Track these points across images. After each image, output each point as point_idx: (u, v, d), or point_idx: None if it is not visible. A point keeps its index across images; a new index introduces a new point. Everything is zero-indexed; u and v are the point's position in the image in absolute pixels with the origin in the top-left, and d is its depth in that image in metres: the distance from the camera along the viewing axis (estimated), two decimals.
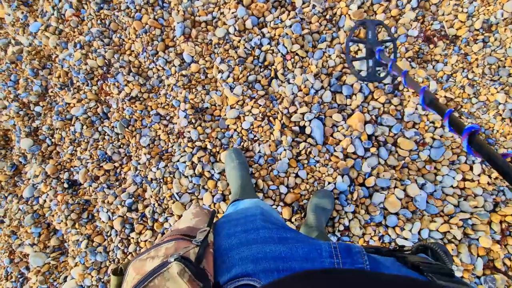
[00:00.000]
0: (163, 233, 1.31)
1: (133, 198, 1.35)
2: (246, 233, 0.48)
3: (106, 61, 1.47)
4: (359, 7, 1.41)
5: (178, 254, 0.38)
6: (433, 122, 1.30)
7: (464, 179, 1.25)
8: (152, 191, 1.33)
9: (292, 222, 1.24)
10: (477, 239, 1.19)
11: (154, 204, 1.32)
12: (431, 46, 1.39)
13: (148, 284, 0.35)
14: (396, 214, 1.22)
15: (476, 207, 1.21)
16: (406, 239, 1.20)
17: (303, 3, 1.45)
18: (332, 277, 0.32)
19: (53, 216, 1.41)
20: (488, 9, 1.39)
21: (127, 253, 1.31)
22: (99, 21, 1.52)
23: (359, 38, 1.38)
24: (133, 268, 0.40)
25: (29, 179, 1.49)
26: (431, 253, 0.49)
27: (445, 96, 1.33)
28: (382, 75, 1.10)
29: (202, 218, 0.54)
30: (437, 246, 0.49)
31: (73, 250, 1.37)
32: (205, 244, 0.44)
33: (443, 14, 1.42)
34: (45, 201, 1.44)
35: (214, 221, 0.57)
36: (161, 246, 0.42)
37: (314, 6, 1.44)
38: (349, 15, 1.42)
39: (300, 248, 0.44)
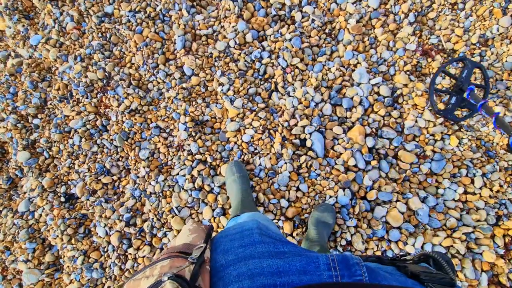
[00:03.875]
0: (161, 248, 1.28)
1: (131, 213, 1.32)
2: (243, 248, 0.48)
3: (106, 74, 1.47)
4: (357, 22, 1.44)
5: (171, 272, 0.37)
6: (433, 135, 1.30)
7: (465, 192, 1.25)
8: (151, 205, 1.31)
9: (294, 237, 1.22)
10: (481, 254, 1.17)
11: (152, 218, 1.30)
12: (429, 59, 1.41)
13: None
14: (399, 228, 1.21)
15: (478, 220, 1.20)
16: (409, 253, 1.18)
17: (303, 17, 1.48)
18: None
19: (48, 231, 1.38)
20: (484, 24, 1.41)
21: (124, 270, 1.28)
22: (100, 34, 1.53)
23: (451, 73, 1.25)
24: None
25: (25, 193, 1.46)
26: (433, 262, 0.49)
27: None
28: (461, 115, 1.09)
29: (199, 234, 0.54)
30: (439, 255, 0.49)
31: (68, 266, 1.33)
32: (201, 261, 0.43)
33: (440, 29, 1.44)
34: (40, 215, 1.41)
35: (212, 235, 0.56)
36: (156, 264, 0.42)
37: (313, 21, 1.46)
38: (347, 29, 1.44)
39: (297, 262, 0.44)
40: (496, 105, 1.33)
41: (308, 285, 0.38)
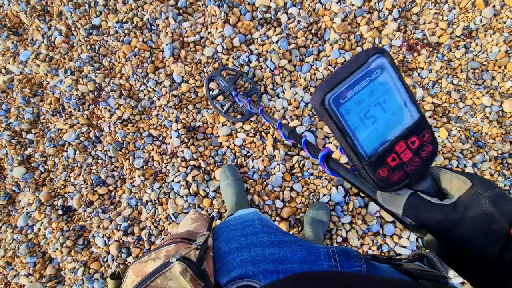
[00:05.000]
0: None
1: (129, 221, 1.34)
2: (245, 237, 0.49)
3: (97, 86, 1.49)
4: (342, 20, 1.45)
5: (180, 254, 0.39)
6: None
7: None
8: (148, 213, 1.32)
9: None
10: None
11: (150, 226, 1.31)
12: (415, 54, 1.43)
13: (150, 283, 0.36)
14: (393, 222, 1.22)
15: None
16: (404, 247, 1.20)
17: (288, 19, 1.49)
18: (331, 278, 0.33)
19: (48, 244, 1.39)
20: (467, 16, 1.43)
21: None
22: (88, 47, 1.54)
23: (216, 90, 1.41)
24: (133, 270, 0.40)
25: (23, 208, 1.47)
26: (427, 261, 0.50)
27: (432, 102, 1.35)
28: (239, 116, 1.35)
29: (201, 223, 0.55)
30: (433, 255, 0.50)
31: (69, 278, 1.34)
32: (205, 247, 0.44)
33: (424, 23, 1.46)
34: (39, 229, 1.42)
35: (213, 226, 0.57)
36: (161, 248, 0.43)
37: (299, 22, 1.47)
38: (333, 28, 1.45)
39: (299, 251, 0.46)
40: (483, 95, 1.35)
41: (311, 272, 0.39)
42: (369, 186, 0.33)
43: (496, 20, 1.41)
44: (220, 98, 1.40)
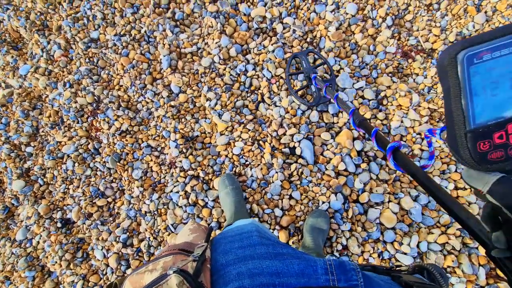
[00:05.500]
0: None
1: (128, 233, 1.33)
2: (243, 249, 0.49)
3: (96, 98, 1.50)
4: (337, 29, 1.47)
5: (177, 267, 0.38)
6: (419, 134, 1.32)
7: (456, 188, 1.26)
8: (147, 224, 1.32)
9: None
10: (477, 248, 1.18)
11: (149, 237, 1.30)
12: (410, 60, 1.44)
13: None
14: (393, 228, 1.22)
15: None
16: (405, 253, 1.19)
17: (284, 28, 1.51)
18: None
19: (47, 257, 1.38)
20: (459, 22, 1.45)
21: None
22: (87, 60, 1.56)
23: (296, 70, 1.42)
24: (130, 282, 0.40)
25: (22, 221, 1.47)
26: (427, 274, 0.50)
27: (428, 108, 1.36)
28: (312, 100, 1.27)
29: (199, 234, 0.55)
30: (433, 267, 0.50)
31: None
32: (203, 259, 0.44)
33: (417, 30, 1.48)
34: (38, 242, 1.42)
35: (211, 237, 0.57)
36: (159, 260, 0.43)
37: (294, 31, 1.49)
38: (328, 36, 1.47)
39: (296, 264, 0.45)
40: None
41: (307, 287, 0.39)
42: (460, 160, 0.30)
43: (489, 25, 1.43)
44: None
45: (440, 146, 1.31)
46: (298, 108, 1.38)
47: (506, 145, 0.27)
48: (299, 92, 1.36)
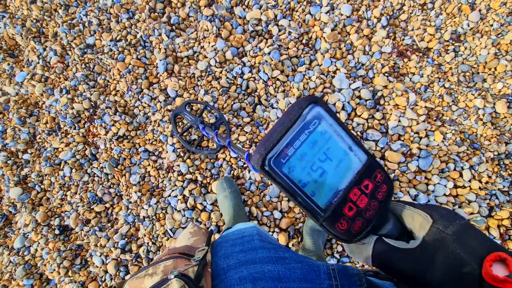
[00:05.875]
0: None
1: (126, 239, 1.32)
2: (244, 253, 0.48)
3: (92, 103, 1.50)
4: (332, 30, 1.48)
5: (178, 271, 0.38)
6: (417, 133, 1.32)
7: (455, 186, 1.26)
8: (145, 229, 1.31)
9: (289, 248, 1.21)
10: None
11: (148, 243, 1.29)
12: (405, 60, 1.45)
13: None
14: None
15: (471, 213, 1.21)
16: None
17: (279, 30, 1.52)
18: None
19: (45, 265, 1.37)
20: (454, 21, 1.46)
21: None
22: (83, 65, 1.56)
23: (183, 126, 1.41)
24: (130, 286, 0.40)
25: (19, 229, 1.45)
26: None
27: (425, 107, 1.36)
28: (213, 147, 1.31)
29: (200, 237, 0.54)
30: None
31: None
32: (204, 263, 0.44)
33: (412, 29, 1.49)
34: (36, 250, 1.40)
35: (212, 241, 0.56)
36: (159, 264, 0.42)
37: (290, 33, 1.50)
38: (324, 37, 1.48)
39: (298, 269, 0.45)
40: (475, 97, 1.36)
41: None
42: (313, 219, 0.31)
43: (483, 23, 1.43)
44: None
45: (438, 145, 1.31)
46: None
47: (359, 212, 0.27)
48: (199, 145, 1.36)
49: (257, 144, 0.25)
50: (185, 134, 1.38)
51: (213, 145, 1.37)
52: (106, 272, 1.31)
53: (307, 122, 0.25)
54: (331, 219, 0.27)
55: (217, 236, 1.25)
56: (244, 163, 1.34)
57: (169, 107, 1.43)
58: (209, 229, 0.58)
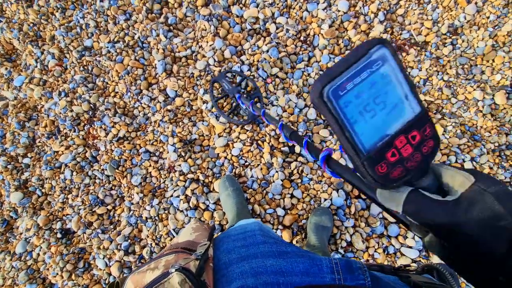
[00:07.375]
0: None
1: (129, 240, 1.31)
2: (246, 248, 0.48)
3: (92, 106, 1.49)
4: (330, 26, 1.48)
5: (179, 264, 0.38)
6: None
7: None
8: (148, 230, 1.30)
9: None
10: None
11: (151, 244, 1.29)
12: (404, 54, 1.45)
13: None
14: (397, 222, 1.21)
15: None
16: (410, 247, 1.18)
17: (277, 28, 1.52)
18: None
19: (48, 269, 1.36)
20: (451, 14, 1.46)
21: None
22: (81, 68, 1.56)
23: (221, 94, 1.41)
24: (132, 281, 0.40)
25: (21, 234, 1.44)
26: (437, 274, 0.48)
27: (425, 100, 1.36)
28: (242, 119, 1.33)
29: (202, 232, 0.55)
30: (443, 267, 0.48)
31: None
32: (206, 258, 0.44)
33: (410, 24, 1.49)
34: (38, 254, 1.39)
35: (214, 236, 0.56)
36: (161, 258, 0.43)
37: (287, 30, 1.50)
38: (321, 34, 1.48)
39: (300, 263, 0.45)
40: (474, 89, 1.36)
41: (312, 286, 0.38)
42: (369, 184, 0.31)
43: (480, 16, 1.44)
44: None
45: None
46: (295, 106, 1.38)
47: (401, 160, 0.27)
48: (232, 114, 1.38)
49: (319, 75, 0.25)
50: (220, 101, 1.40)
51: (243, 116, 1.39)
52: (109, 274, 1.30)
53: (372, 61, 0.24)
54: (372, 160, 0.27)
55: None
56: (246, 161, 1.33)
57: (168, 107, 1.42)
58: (212, 224, 0.58)
